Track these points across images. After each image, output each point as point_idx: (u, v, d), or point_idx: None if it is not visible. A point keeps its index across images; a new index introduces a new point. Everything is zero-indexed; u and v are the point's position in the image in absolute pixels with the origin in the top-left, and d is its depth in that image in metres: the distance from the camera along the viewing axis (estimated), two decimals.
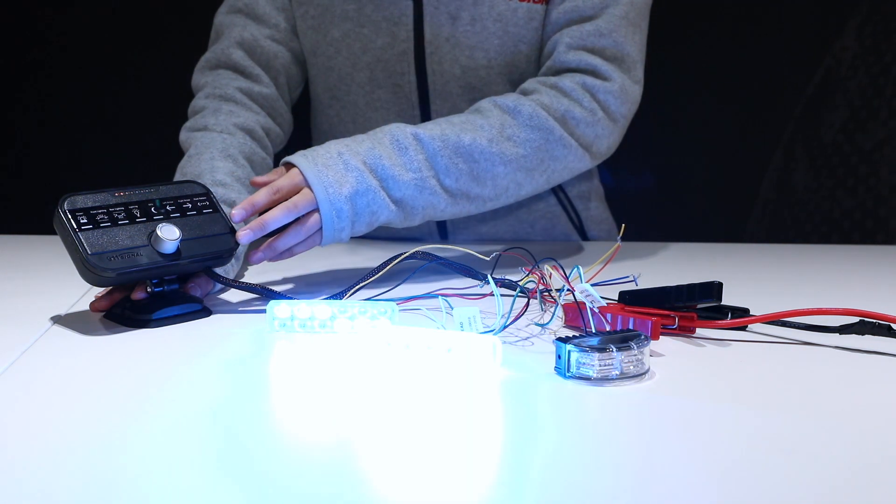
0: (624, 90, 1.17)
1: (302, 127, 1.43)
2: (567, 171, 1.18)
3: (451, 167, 1.08)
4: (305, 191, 1.00)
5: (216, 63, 1.28)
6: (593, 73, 1.17)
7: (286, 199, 1.00)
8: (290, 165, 1.04)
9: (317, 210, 1.00)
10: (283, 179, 1.01)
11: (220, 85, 1.26)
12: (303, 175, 1.01)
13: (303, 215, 1.00)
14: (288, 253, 1.02)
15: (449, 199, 1.10)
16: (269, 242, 1.00)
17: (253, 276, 1.13)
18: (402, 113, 1.29)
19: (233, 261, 1.05)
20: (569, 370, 0.74)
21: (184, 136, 1.21)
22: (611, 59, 1.17)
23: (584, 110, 1.15)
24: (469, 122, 1.11)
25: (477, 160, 1.09)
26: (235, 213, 0.97)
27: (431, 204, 1.08)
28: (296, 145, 1.38)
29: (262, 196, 0.99)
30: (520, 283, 0.93)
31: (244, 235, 0.96)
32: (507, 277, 0.98)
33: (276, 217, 0.98)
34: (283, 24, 1.30)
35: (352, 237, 1.06)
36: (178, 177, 1.13)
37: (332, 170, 1.01)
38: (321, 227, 1.01)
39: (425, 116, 1.28)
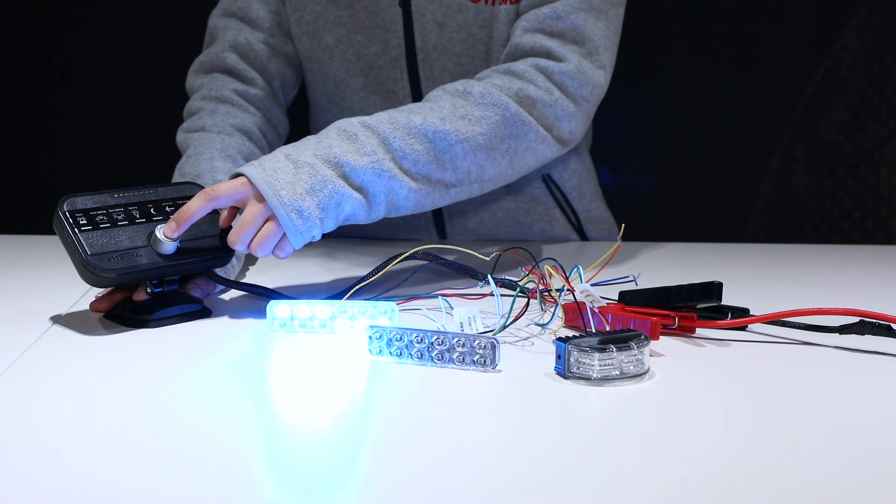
0: (582, 71, 1.13)
1: (302, 129, 1.43)
2: (531, 153, 1.13)
3: (406, 149, 1.02)
4: (252, 204, 0.94)
5: (210, 67, 1.28)
6: (547, 54, 1.13)
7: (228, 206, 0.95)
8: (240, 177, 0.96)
9: (274, 217, 0.94)
10: (225, 184, 0.95)
11: (216, 87, 1.26)
12: (252, 184, 0.94)
13: (263, 225, 0.95)
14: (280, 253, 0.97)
15: (411, 185, 1.02)
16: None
17: (253, 276, 1.13)
18: None
19: (234, 261, 1.05)
20: (569, 370, 0.74)
21: (181, 137, 1.21)
22: (569, 41, 1.13)
23: (540, 90, 1.11)
24: (418, 107, 1.07)
25: (432, 140, 1.03)
26: (168, 230, 0.91)
27: (393, 189, 1.01)
28: None
29: (195, 202, 0.92)
30: (520, 283, 0.93)
31: (168, 227, 0.91)
32: (507, 277, 0.98)
33: (195, 205, 0.92)
34: (277, 28, 1.30)
35: (343, 237, 1.03)
36: (176, 177, 1.13)
37: (282, 172, 0.95)
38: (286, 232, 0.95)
39: None
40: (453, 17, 1.21)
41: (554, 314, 0.92)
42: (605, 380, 0.73)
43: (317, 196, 0.95)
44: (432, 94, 1.10)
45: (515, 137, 1.10)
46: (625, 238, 0.97)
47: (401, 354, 0.79)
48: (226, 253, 0.96)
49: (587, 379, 0.73)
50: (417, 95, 1.26)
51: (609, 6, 1.16)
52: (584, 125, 1.17)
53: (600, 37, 1.15)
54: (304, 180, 0.95)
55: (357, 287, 0.95)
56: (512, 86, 1.10)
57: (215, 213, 0.96)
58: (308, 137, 1.02)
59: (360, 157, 0.99)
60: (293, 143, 1.00)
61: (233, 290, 1.04)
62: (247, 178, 0.95)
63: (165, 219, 0.93)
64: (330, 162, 0.97)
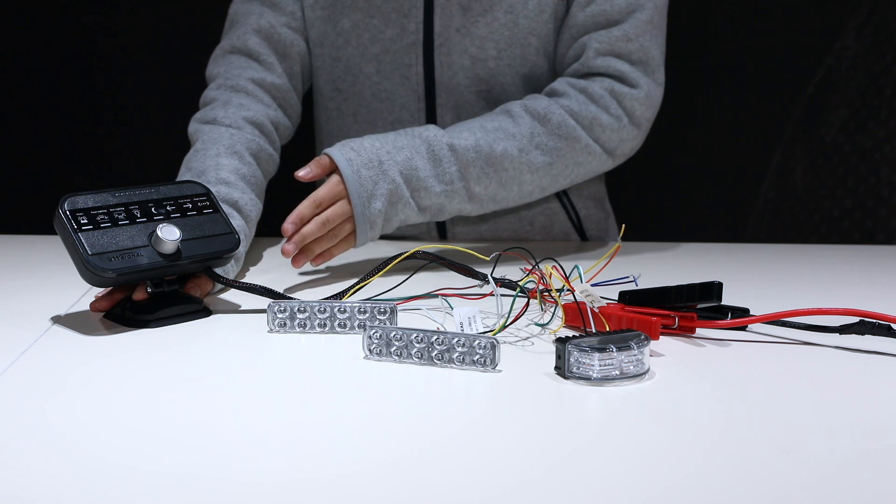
0: (649, 96, 1.21)
1: (304, 124, 1.43)
2: (589, 174, 1.24)
3: (481, 176, 1.15)
4: (342, 203, 1.08)
5: (231, 49, 1.29)
6: (621, 78, 1.20)
7: (327, 209, 1.08)
8: (328, 158, 1.10)
9: (351, 218, 1.09)
10: (324, 191, 1.08)
11: (233, 76, 1.26)
12: (344, 185, 1.08)
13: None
14: (327, 254, 1.09)
15: (475, 204, 1.17)
16: (305, 246, 1.07)
17: (253, 276, 1.13)
18: (407, 105, 1.29)
19: (233, 261, 1.05)
20: (569, 370, 0.74)
21: (192, 127, 1.21)
22: (637, 63, 1.20)
23: (611, 117, 1.19)
24: (502, 130, 1.16)
25: (507, 169, 1.16)
26: (287, 229, 1.04)
27: (458, 209, 1.17)
28: (299, 137, 1.38)
29: (307, 209, 1.06)
30: (520, 283, 0.93)
31: (287, 250, 1.05)
32: (507, 277, 0.98)
33: (311, 231, 1.06)
34: (299, 12, 1.31)
35: None
36: (182, 170, 1.13)
37: (371, 181, 1.09)
38: (354, 232, 1.10)
39: (430, 109, 1.29)
40: (479, 1, 1.24)
41: (554, 314, 0.92)
42: (605, 380, 0.73)
43: (390, 211, 1.11)
44: (515, 110, 1.19)
45: (579, 164, 1.21)
46: (625, 238, 0.97)
47: (401, 355, 0.79)
48: (226, 253, 0.96)
49: (587, 379, 0.73)
50: (430, 82, 1.28)
51: (663, 19, 1.24)
52: (641, 143, 1.26)
53: (659, 54, 1.23)
54: (384, 195, 1.09)
55: (357, 287, 0.95)
56: (587, 113, 1.19)
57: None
58: (401, 143, 1.12)
59: (438, 184, 1.13)
60: (387, 146, 1.11)
61: (233, 290, 1.04)
62: (342, 179, 1.08)
63: (167, 218, 0.93)
64: (411, 183, 1.11)
